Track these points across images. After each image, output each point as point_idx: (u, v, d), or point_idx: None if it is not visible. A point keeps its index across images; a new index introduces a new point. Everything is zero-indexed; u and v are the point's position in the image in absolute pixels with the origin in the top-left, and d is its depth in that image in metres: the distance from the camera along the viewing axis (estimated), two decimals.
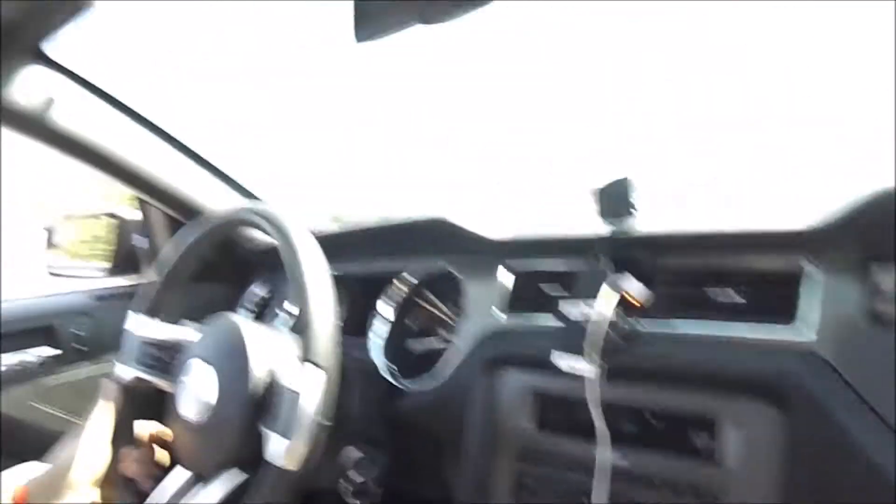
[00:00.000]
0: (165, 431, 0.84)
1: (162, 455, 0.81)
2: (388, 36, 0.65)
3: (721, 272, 0.74)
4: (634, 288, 0.74)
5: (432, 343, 1.02)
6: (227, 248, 1.29)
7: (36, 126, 1.01)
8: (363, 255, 1.08)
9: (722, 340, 0.69)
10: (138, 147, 1.15)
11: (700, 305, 0.73)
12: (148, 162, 1.17)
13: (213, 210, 1.24)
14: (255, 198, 1.36)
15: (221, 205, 1.28)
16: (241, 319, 0.75)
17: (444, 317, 1.02)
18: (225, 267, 1.29)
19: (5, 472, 0.93)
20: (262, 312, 1.31)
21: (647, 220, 0.77)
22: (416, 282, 1.03)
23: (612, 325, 0.71)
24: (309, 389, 0.61)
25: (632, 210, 0.75)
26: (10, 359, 1.11)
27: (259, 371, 0.67)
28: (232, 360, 0.69)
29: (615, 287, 0.73)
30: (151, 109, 1.14)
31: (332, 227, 1.20)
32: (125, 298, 1.29)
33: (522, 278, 0.89)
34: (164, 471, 0.80)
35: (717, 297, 0.74)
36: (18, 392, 1.12)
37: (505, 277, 0.90)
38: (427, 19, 0.55)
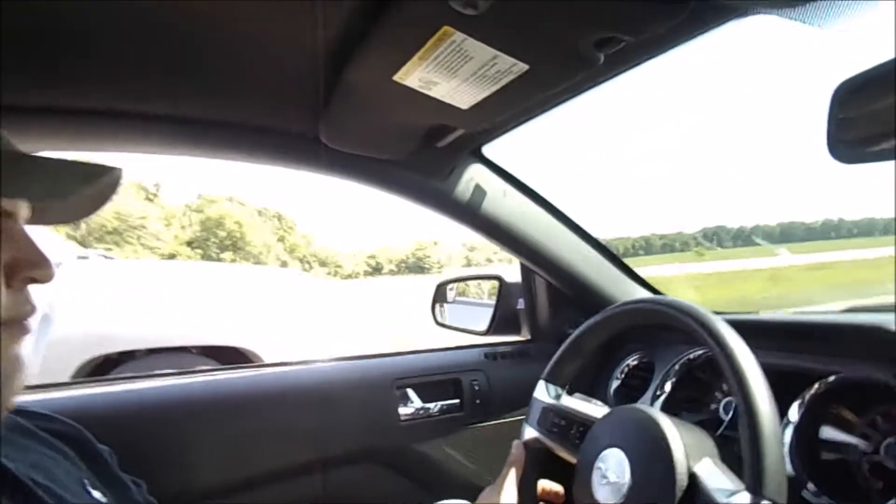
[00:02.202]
0: (558, 492, 0.91)
1: None
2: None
3: None
4: None
5: (849, 457, 0.91)
6: None
7: (464, 211, 1.21)
8: (779, 350, 1.01)
9: None
10: (535, 224, 1.29)
11: None
12: (541, 237, 1.29)
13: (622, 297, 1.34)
14: (650, 287, 1.40)
15: (606, 283, 1.36)
16: (659, 413, 0.76)
17: (867, 430, 0.90)
18: None
19: None
20: (631, 383, 1.33)
21: None
22: (838, 386, 0.93)
23: None
24: None
25: None
26: (432, 406, 1.30)
27: (683, 476, 0.66)
28: (650, 456, 0.70)
29: None
30: (552, 192, 1.27)
31: (753, 315, 1.17)
32: (508, 357, 1.44)
33: None
34: None
35: None
36: (435, 435, 1.31)
37: None
38: None
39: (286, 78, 0.87)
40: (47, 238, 3.06)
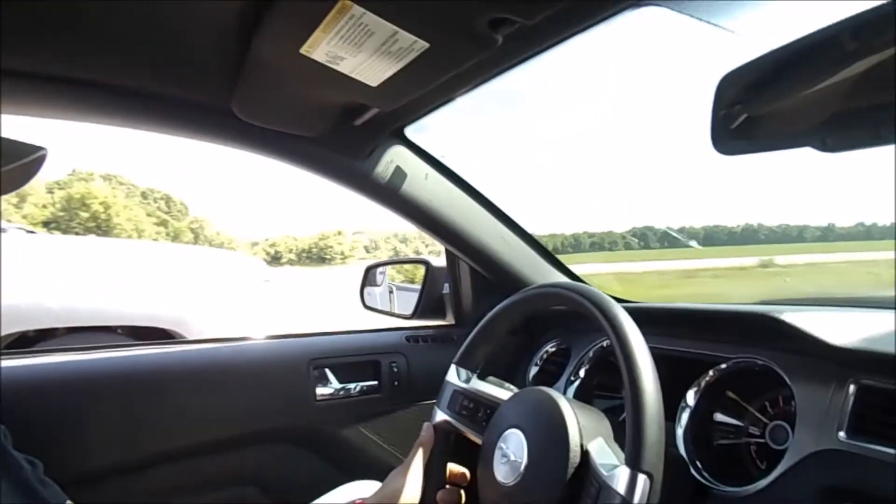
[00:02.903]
0: (465, 473, 0.93)
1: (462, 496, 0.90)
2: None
3: None
4: None
5: (739, 440, 0.96)
6: None
7: (385, 193, 1.20)
8: (677, 337, 1.05)
9: None
10: (458, 208, 1.29)
11: None
12: (463, 221, 1.30)
13: (532, 280, 1.36)
14: (570, 273, 1.43)
15: (526, 268, 1.38)
16: (559, 396, 0.78)
17: (757, 415, 0.95)
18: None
19: (343, 487, 1.11)
20: (549, 369, 1.36)
21: None
22: (731, 372, 0.97)
23: None
24: (636, 497, 0.61)
25: None
26: (351, 387, 1.30)
27: (575, 455, 0.69)
28: (546, 435, 0.73)
29: None
30: (472, 175, 1.28)
31: (652, 304, 1.20)
32: (429, 341, 1.44)
33: (879, 399, 0.77)
34: None
35: None
36: (352, 416, 1.31)
37: (854, 394, 0.79)
38: (828, 147, 0.53)
39: (199, 48, 0.85)
40: None
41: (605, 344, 1.20)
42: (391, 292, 1.77)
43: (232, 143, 1.07)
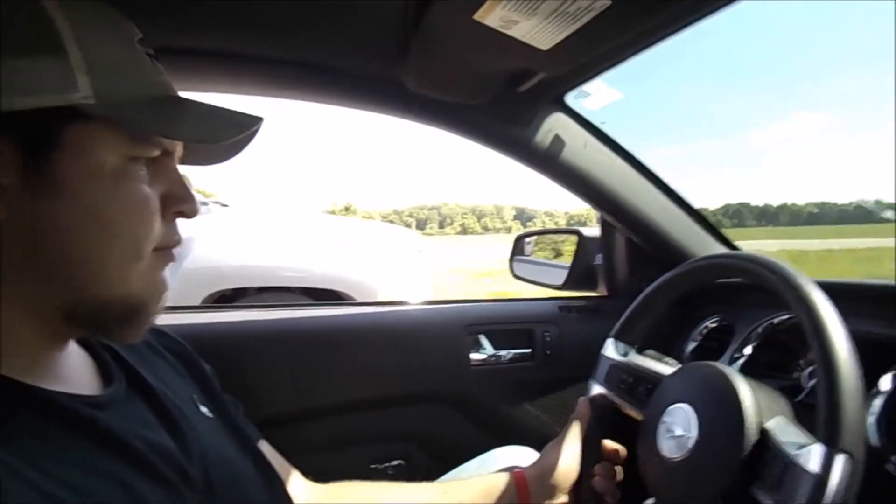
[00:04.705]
0: (619, 450, 0.91)
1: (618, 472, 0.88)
2: None
3: None
4: None
5: None
6: None
7: (544, 161, 1.20)
8: (867, 316, 0.94)
9: None
10: (617, 177, 1.26)
11: None
12: (623, 191, 1.26)
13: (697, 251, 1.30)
14: (734, 248, 1.35)
15: (688, 240, 1.32)
16: (732, 371, 0.74)
17: None
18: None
19: (495, 451, 1.13)
20: (708, 345, 1.30)
21: None
22: None
23: None
24: (835, 478, 0.55)
25: None
26: (503, 354, 1.33)
27: (752, 432, 0.65)
28: (719, 411, 0.69)
29: None
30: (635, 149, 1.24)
31: (845, 280, 1.10)
32: (582, 312, 1.43)
33: None
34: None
35: None
36: (504, 382, 1.34)
37: None
38: None
39: (370, 20, 0.88)
40: None
41: (775, 320, 1.12)
42: (518, 258, 1.77)
43: (400, 114, 1.12)
